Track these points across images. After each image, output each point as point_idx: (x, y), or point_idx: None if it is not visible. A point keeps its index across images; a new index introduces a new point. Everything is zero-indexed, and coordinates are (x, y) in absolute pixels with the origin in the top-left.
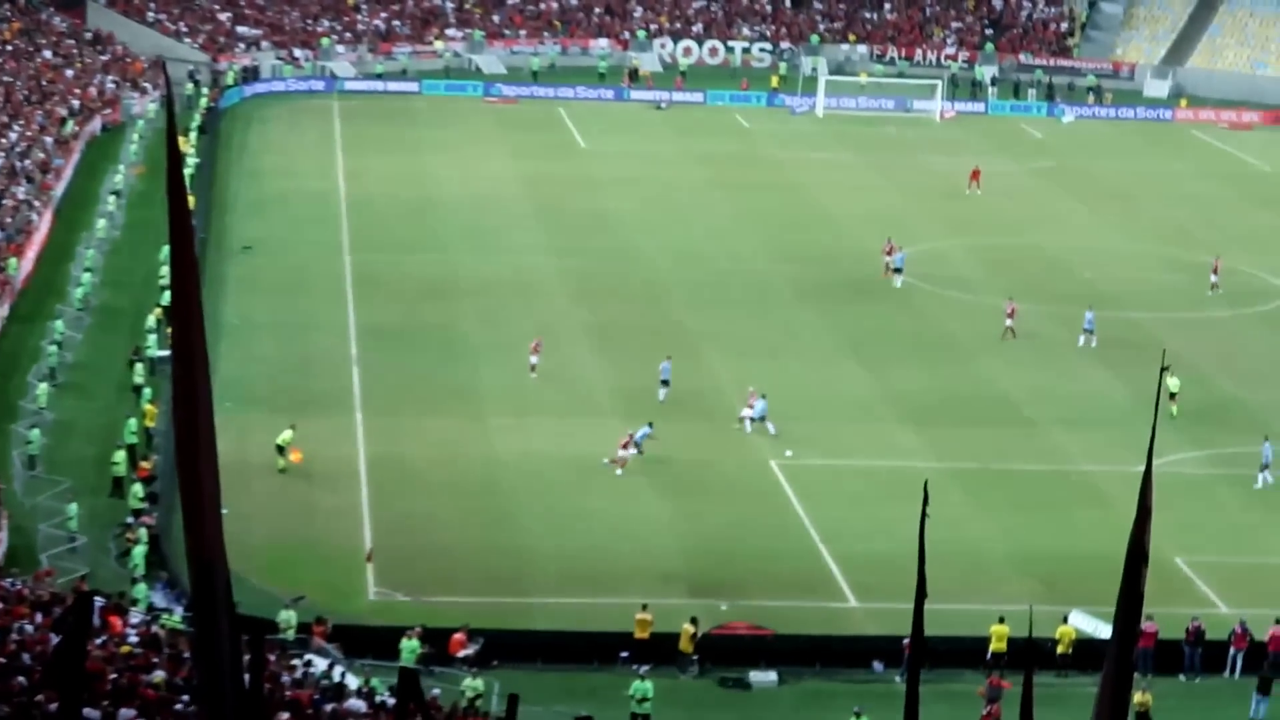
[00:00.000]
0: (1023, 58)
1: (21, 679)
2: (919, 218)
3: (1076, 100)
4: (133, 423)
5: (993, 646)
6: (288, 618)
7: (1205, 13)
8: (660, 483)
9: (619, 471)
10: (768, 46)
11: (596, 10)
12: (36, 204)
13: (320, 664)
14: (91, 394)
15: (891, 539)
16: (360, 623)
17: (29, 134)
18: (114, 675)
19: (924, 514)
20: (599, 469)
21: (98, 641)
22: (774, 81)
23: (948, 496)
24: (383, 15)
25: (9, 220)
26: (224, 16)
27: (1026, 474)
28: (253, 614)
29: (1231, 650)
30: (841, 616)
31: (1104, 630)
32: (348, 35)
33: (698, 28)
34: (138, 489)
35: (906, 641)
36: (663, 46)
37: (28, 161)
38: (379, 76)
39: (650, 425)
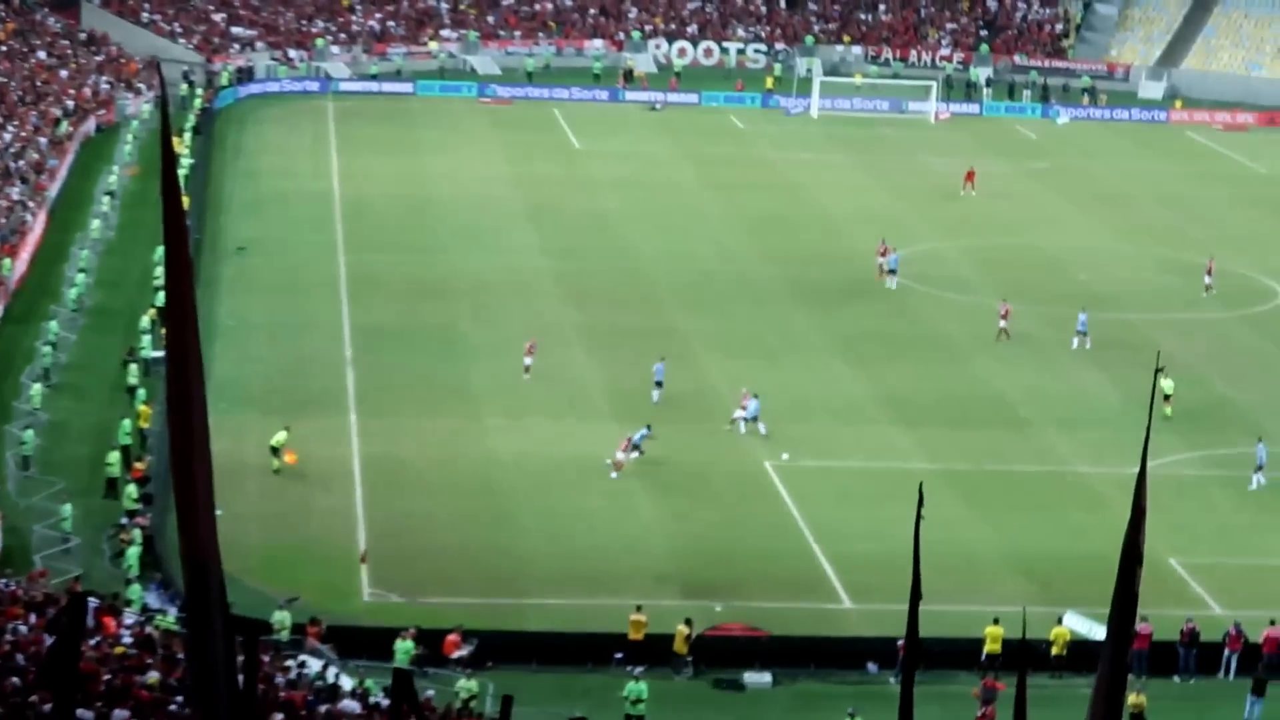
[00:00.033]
0: (1017, 59)
1: (16, 680)
2: (914, 219)
3: (1071, 101)
4: (127, 424)
5: (987, 648)
6: (282, 618)
7: (1200, 14)
8: (655, 484)
9: (614, 474)
10: (762, 47)
11: (591, 11)
12: (31, 204)
13: (314, 665)
14: (86, 395)
15: (886, 540)
16: (354, 624)
17: (23, 134)
18: (108, 676)
19: (919, 515)
20: (593, 470)
21: (92, 642)
22: (769, 82)
23: (942, 498)
24: (377, 16)
25: (3, 221)
26: (218, 17)
27: (1021, 475)
28: (247, 615)
29: (1226, 652)
30: (836, 618)
31: (1098, 631)
32: (342, 36)
33: (692, 29)
34: (132, 490)
35: (901, 643)
36: (657, 47)
37: (22, 162)
38: (374, 77)
39: (649, 427)
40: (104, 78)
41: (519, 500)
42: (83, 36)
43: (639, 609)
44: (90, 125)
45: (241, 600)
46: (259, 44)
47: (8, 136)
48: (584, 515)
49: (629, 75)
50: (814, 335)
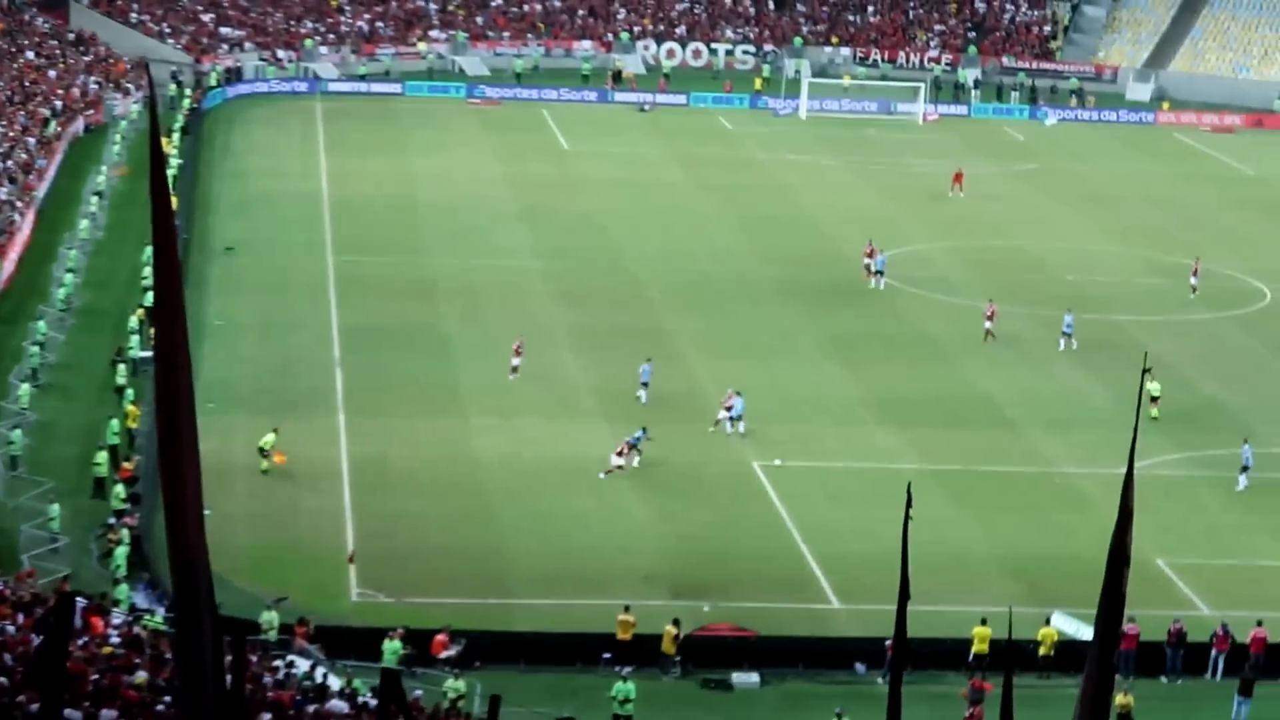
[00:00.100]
0: (1005, 60)
1: (3, 679)
2: (902, 220)
3: (1059, 103)
4: (115, 423)
5: (975, 648)
6: (270, 618)
7: (1187, 16)
8: (643, 484)
9: (602, 475)
10: (751, 49)
11: (580, 12)
12: (19, 205)
13: (302, 665)
14: (74, 395)
15: (874, 540)
16: (342, 624)
17: (11, 135)
18: (96, 676)
19: (907, 516)
20: (581, 470)
21: (79, 642)
22: (757, 84)
23: (930, 498)
24: (366, 16)
25: None
26: (207, 18)
27: (1009, 476)
28: (235, 615)
29: (1213, 652)
30: (824, 618)
31: (1086, 632)
32: (331, 36)
33: (681, 30)
34: (120, 490)
35: (889, 643)
36: (646, 48)
37: (10, 162)
38: (362, 78)
39: (644, 429)
40: (92, 78)
41: (507, 500)
42: (71, 37)
43: (627, 609)
44: (79, 125)
45: (229, 600)
46: (247, 44)
47: None
48: (572, 515)
49: (617, 76)
50: (803, 336)
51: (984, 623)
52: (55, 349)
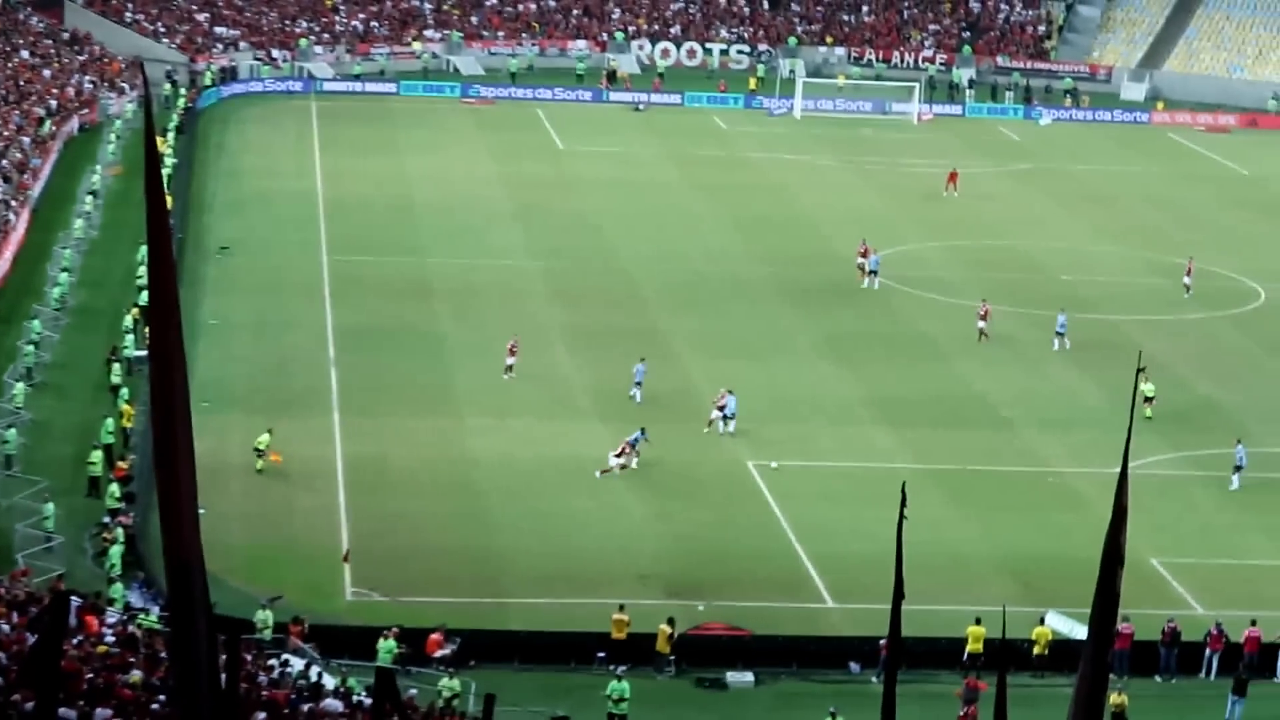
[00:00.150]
0: (1000, 60)
1: None
2: (897, 220)
3: (1053, 103)
4: (110, 422)
5: (969, 647)
6: (265, 617)
7: (1182, 16)
8: (638, 484)
9: (598, 474)
10: (745, 48)
11: (574, 12)
12: (13, 204)
13: (297, 664)
14: (68, 394)
15: (869, 540)
16: (337, 623)
17: (6, 134)
18: (90, 675)
19: (902, 515)
20: (576, 470)
21: (74, 641)
22: (752, 83)
23: (925, 498)
24: (361, 16)
25: None
26: (202, 17)
27: (1004, 475)
28: (229, 614)
29: (1207, 651)
30: (818, 617)
31: (1080, 631)
32: (326, 36)
33: (676, 29)
34: (114, 489)
35: (883, 642)
36: (641, 48)
37: (4, 161)
38: (357, 77)
39: (642, 430)
40: (87, 77)
41: (502, 500)
42: (66, 36)
43: (621, 608)
44: (73, 125)
45: (224, 599)
46: (242, 44)
47: None
48: (567, 515)
49: (612, 76)
50: (798, 335)
51: (978, 622)
52: (50, 348)
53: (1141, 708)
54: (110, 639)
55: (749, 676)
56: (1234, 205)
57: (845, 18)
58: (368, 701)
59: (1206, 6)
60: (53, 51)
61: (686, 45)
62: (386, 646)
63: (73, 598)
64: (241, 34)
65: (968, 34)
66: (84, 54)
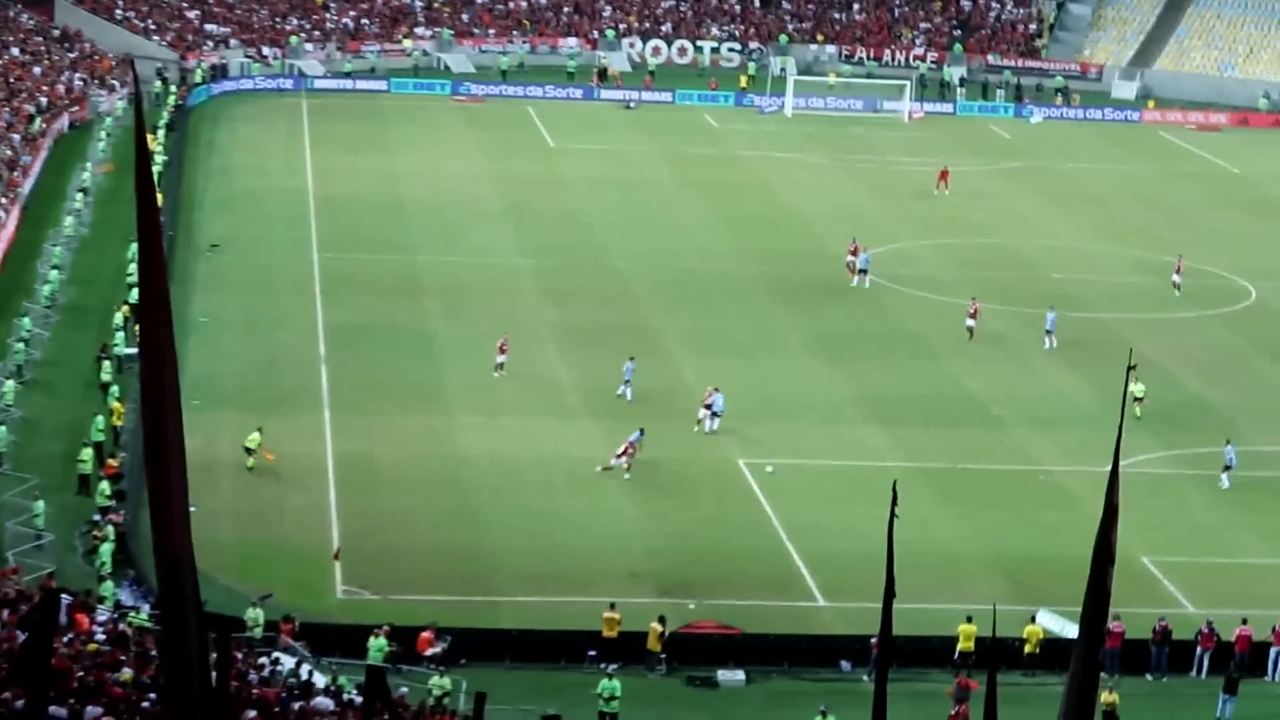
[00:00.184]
0: (991, 59)
1: None
2: (888, 218)
3: (1044, 101)
4: (100, 420)
5: (960, 646)
6: (255, 616)
7: (1173, 14)
8: (629, 482)
9: (599, 469)
10: (736, 46)
11: (565, 9)
12: (3, 201)
13: (288, 662)
14: (59, 391)
15: (860, 538)
16: (328, 621)
17: None
18: (81, 673)
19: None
20: (567, 468)
21: (64, 639)
22: (742, 81)
23: (916, 496)
24: (351, 14)
25: None
26: (192, 14)
27: (994, 474)
28: (220, 612)
29: (1198, 650)
30: (809, 616)
31: (1071, 630)
32: (316, 33)
33: (666, 27)
34: (105, 487)
35: (874, 641)
36: (631, 46)
37: None
38: (348, 75)
39: (641, 431)
40: (77, 74)
41: (492, 498)
42: (56, 33)
43: (613, 607)
44: (64, 122)
45: (215, 597)
46: (233, 41)
47: None
48: (557, 513)
49: (603, 74)
50: (789, 334)
51: (969, 620)
52: (40, 345)
53: (1132, 706)
54: (101, 637)
55: (740, 675)
56: (1225, 204)
57: (836, 15)
58: (358, 700)
59: (1197, 5)
60: (43, 48)
61: (677, 43)
62: (377, 645)
63: (63, 595)
64: (232, 31)
65: (959, 32)
66: (74, 51)
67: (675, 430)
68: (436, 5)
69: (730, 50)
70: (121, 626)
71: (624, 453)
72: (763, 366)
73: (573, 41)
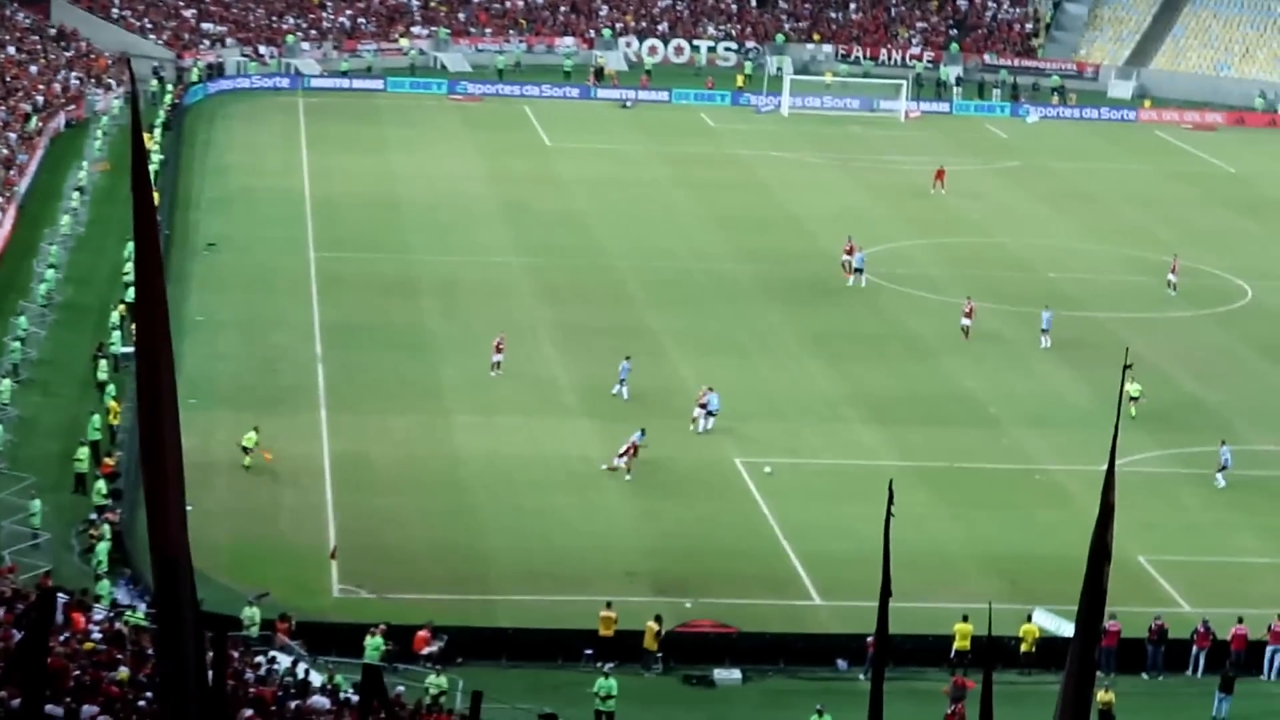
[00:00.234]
0: (987, 58)
1: None
2: (884, 217)
3: (1041, 101)
4: (96, 419)
5: (956, 645)
6: (251, 614)
7: (1169, 14)
8: (625, 481)
9: (602, 466)
10: (733, 45)
11: (562, 9)
12: (0, 200)
13: (284, 661)
14: (55, 390)
15: (856, 537)
16: (324, 620)
17: None
18: (77, 672)
19: (889, 513)
20: (563, 467)
21: (61, 638)
22: (739, 80)
23: (912, 495)
24: (348, 13)
25: None
26: (189, 13)
27: (990, 473)
28: (216, 611)
29: (1194, 649)
30: (806, 614)
31: (1067, 629)
32: (313, 32)
33: (663, 26)
34: (101, 485)
35: (870, 640)
36: (628, 45)
37: None
38: (344, 74)
39: (642, 431)
40: (74, 73)
41: (489, 497)
42: (52, 32)
43: (609, 605)
44: (60, 121)
45: (211, 596)
46: (229, 40)
47: None
48: (554, 512)
49: (600, 73)
50: (784, 333)
51: (965, 619)
52: (36, 344)
53: (1129, 705)
54: (97, 636)
55: (736, 674)
56: (1221, 203)
57: (833, 15)
58: (355, 698)
59: (1194, 5)
60: (39, 47)
61: (674, 42)
62: (374, 643)
63: (59, 594)
64: (228, 30)
65: (955, 32)
66: (71, 50)
67: (672, 429)
68: (433, 4)
69: (727, 49)
70: (118, 625)
71: (626, 452)
72: (759, 365)
73: (569, 41)
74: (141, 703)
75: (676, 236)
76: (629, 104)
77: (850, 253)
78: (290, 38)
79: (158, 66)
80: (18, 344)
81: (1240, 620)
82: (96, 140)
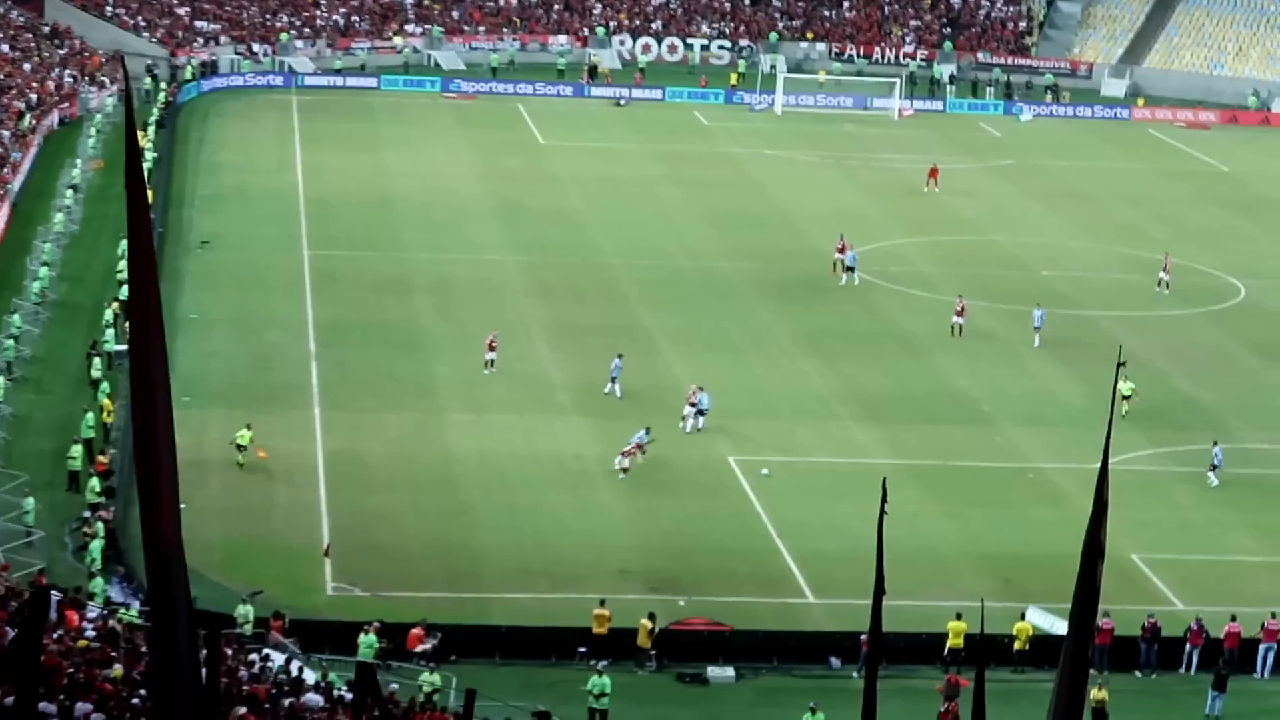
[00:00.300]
0: (981, 56)
1: None
2: (877, 215)
3: (1034, 99)
4: (90, 417)
5: (950, 643)
6: (245, 612)
7: (1162, 13)
8: (618, 479)
9: (617, 472)
10: (726, 44)
11: (555, 7)
12: None
13: (278, 658)
14: (48, 388)
15: (849, 535)
16: (318, 617)
17: None
18: (71, 670)
19: (882, 511)
20: (556, 465)
21: (54, 636)
22: (733, 79)
23: (905, 493)
24: (342, 10)
25: None
26: (182, 11)
27: (984, 471)
28: (210, 608)
29: (1187, 647)
30: (799, 612)
31: (1061, 627)
32: (306, 30)
33: (657, 24)
34: (95, 483)
35: (864, 637)
36: (622, 43)
37: None
38: (338, 72)
39: (647, 430)
40: (67, 71)
41: (482, 495)
42: (45, 30)
43: (602, 603)
44: (53, 119)
45: (204, 594)
46: (223, 38)
47: None
48: (547, 510)
49: (593, 71)
50: (778, 331)
51: (959, 617)
52: (30, 342)
53: (1122, 703)
54: (91, 634)
55: (730, 672)
56: (1213, 202)
57: (826, 13)
58: (349, 696)
59: (1187, 3)
60: (32, 45)
61: (668, 40)
62: (367, 641)
63: (53, 592)
64: (222, 28)
65: (949, 30)
66: (64, 48)
67: (665, 427)
68: (427, 2)
69: (720, 48)
70: (111, 623)
71: (629, 452)
72: (752, 364)
73: (563, 39)
74: (135, 700)
75: (670, 235)
76: (622, 102)
77: (842, 251)
78: (284, 35)
79: (151, 64)
80: (11, 342)
81: (1233, 618)
82: (90, 138)
